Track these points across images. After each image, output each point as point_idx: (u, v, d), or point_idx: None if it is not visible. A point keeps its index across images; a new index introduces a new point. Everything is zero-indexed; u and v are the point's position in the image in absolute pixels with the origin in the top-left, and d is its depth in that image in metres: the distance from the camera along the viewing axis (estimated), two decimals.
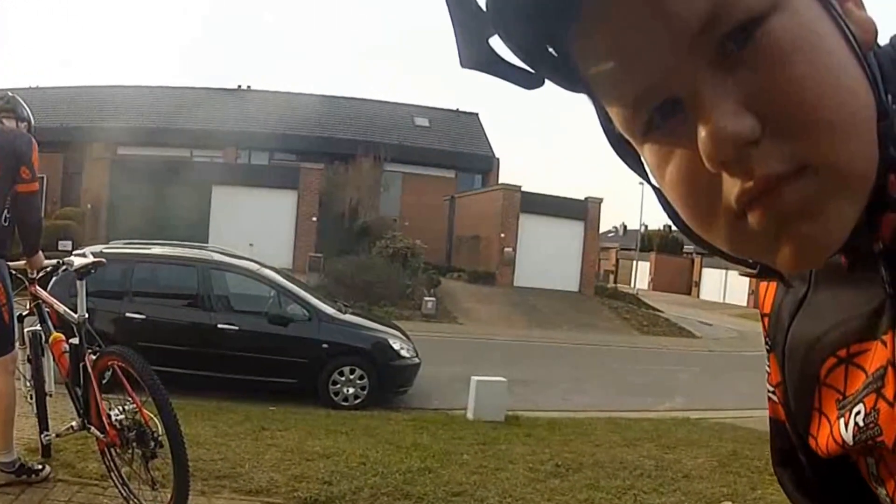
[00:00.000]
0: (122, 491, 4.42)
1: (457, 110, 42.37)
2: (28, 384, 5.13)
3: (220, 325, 10.50)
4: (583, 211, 31.44)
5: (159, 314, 10.74)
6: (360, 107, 40.12)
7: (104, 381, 4.56)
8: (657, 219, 61.87)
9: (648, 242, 55.66)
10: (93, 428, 4.50)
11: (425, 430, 8.13)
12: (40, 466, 4.73)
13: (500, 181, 35.36)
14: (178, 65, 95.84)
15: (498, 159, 39.92)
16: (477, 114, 42.77)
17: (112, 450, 4.42)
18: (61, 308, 4.90)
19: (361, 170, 31.82)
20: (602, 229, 36.41)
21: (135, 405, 4.26)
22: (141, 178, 27.40)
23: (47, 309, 4.95)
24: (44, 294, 4.98)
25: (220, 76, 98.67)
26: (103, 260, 4.91)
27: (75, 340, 4.68)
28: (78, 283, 4.79)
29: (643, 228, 55.13)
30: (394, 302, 22.86)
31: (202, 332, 10.53)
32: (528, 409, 10.38)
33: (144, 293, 11.00)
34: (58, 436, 5.01)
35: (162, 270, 11.46)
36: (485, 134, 41.45)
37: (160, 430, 4.10)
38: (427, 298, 23.15)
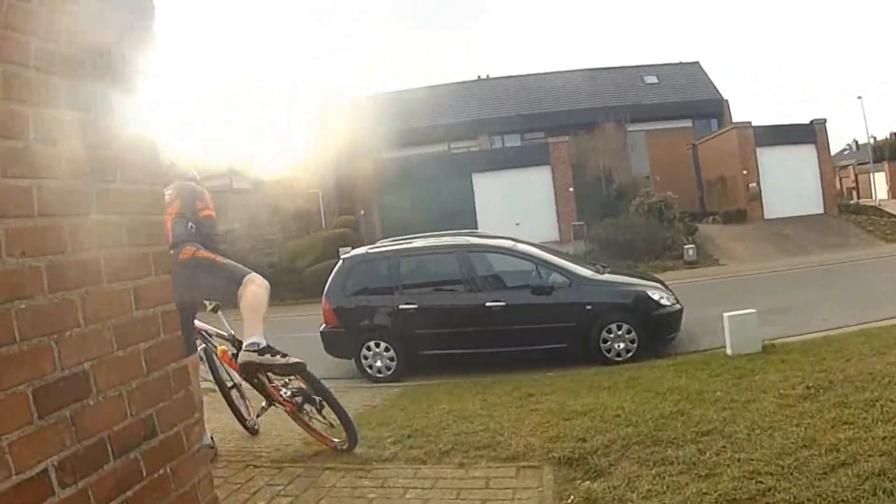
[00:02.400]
0: (314, 436, 5.84)
1: (679, 63, 41.55)
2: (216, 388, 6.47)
3: (487, 304, 10.69)
4: (812, 134, 30.17)
5: (429, 301, 11.12)
6: (594, 76, 40.00)
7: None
8: (882, 128, 55.95)
9: (880, 153, 50.62)
10: (276, 404, 5.77)
11: (684, 372, 7.81)
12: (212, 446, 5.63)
13: (734, 121, 34.12)
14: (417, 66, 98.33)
15: (726, 101, 38.77)
16: (698, 62, 41.67)
17: (295, 414, 5.72)
18: (213, 330, 6.12)
19: (606, 135, 31.36)
20: (835, 150, 33.68)
21: (295, 379, 5.61)
22: (406, 177, 28.71)
23: (204, 332, 6.11)
24: (199, 324, 5.97)
25: (454, 71, 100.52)
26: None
27: (234, 349, 5.77)
28: (219, 313, 5.87)
29: (871, 140, 50.47)
30: (657, 255, 22.44)
31: (472, 313, 10.74)
32: (787, 336, 9.86)
33: (413, 284, 11.39)
34: (258, 416, 6.36)
35: (426, 261, 11.84)
36: (710, 79, 40.33)
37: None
38: (687, 246, 22.55)
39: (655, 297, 10.82)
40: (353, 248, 21.91)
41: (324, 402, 5.63)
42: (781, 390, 6.23)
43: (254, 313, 5.09)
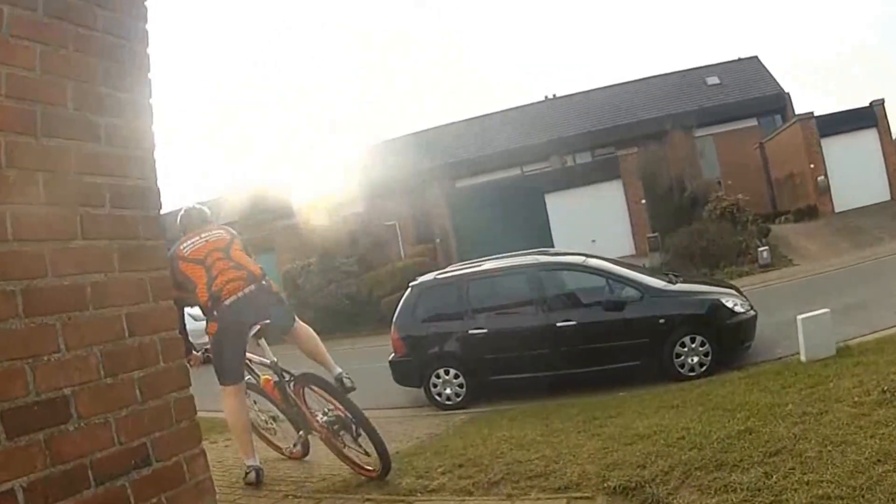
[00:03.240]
0: (347, 464, 5.90)
1: (737, 59, 40.20)
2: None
3: (558, 324, 10.38)
4: (872, 117, 28.30)
5: (499, 325, 10.86)
6: (656, 84, 39.37)
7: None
8: None
9: None
10: (313, 432, 6.03)
11: (756, 385, 7.36)
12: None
13: (797, 113, 32.92)
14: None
15: (788, 94, 37.36)
16: (756, 56, 40.22)
17: (330, 440, 5.87)
18: (257, 359, 6.27)
19: (674, 143, 30.74)
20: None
21: (332, 406, 5.83)
22: (480, 203, 28.70)
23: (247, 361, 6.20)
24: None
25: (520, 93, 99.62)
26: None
27: (276, 378, 6.00)
28: (262, 340, 5.97)
29: None
30: (731, 260, 21.68)
31: (542, 334, 10.43)
32: (864, 334, 9.35)
33: (482, 308, 11.12)
34: (294, 445, 6.52)
35: (495, 283, 11.56)
36: (769, 73, 38.88)
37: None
38: (760, 249, 21.66)
39: (729, 304, 10.36)
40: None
41: (360, 430, 5.68)
42: (856, 397, 5.84)
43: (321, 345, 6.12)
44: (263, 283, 5.87)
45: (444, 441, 7.56)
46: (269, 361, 6.01)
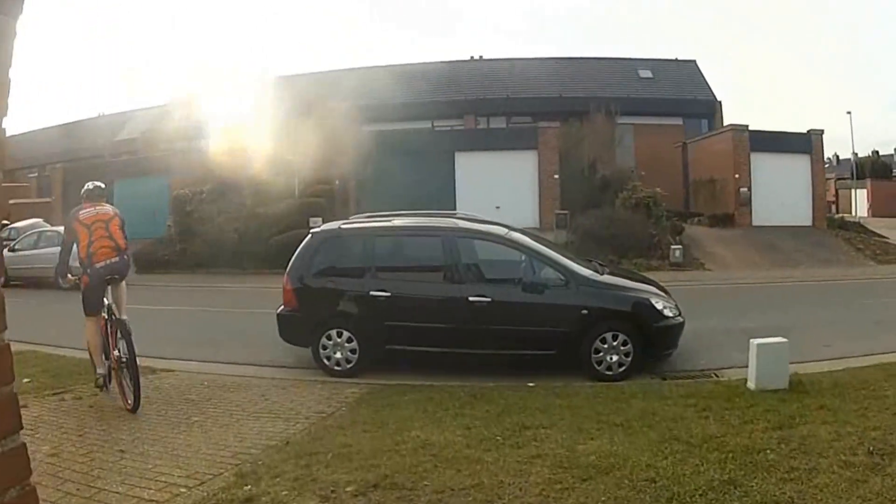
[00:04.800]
0: (119, 392, 7.59)
1: (675, 59, 40.22)
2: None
3: (470, 298, 9.07)
4: (807, 144, 28.84)
5: (404, 290, 9.50)
6: (587, 65, 38.92)
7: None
8: (865, 146, 55.42)
9: (861, 170, 50.19)
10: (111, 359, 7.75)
11: (710, 411, 6.43)
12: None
13: (725, 123, 33.46)
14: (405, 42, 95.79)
15: (720, 102, 37.67)
16: (695, 61, 40.47)
17: (116, 371, 7.63)
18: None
19: (595, 125, 29.93)
20: None
21: (124, 346, 7.47)
22: (386, 151, 27.01)
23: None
24: None
25: (448, 49, 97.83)
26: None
27: (106, 316, 7.82)
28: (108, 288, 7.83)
29: (854, 157, 50.21)
30: (641, 252, 20.84)
31: (452, 307, 9.16)
32: (794, 361, 8.41)
33: (388, 268, 9.83)
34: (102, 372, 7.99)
35: (405, 243, 10.23)
36: (704, 79, 39.08)
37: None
38: (674, 247, 21.01)
39: (659, 306, 9.27)
40: (324, 220, 20.30)
41: (131, 371, 7.37)
42: (842, 455, 5.02)
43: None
44: (125, 256, 8.01)
45: (343, 434, 6.26)
46: (106, 304, 7.79)
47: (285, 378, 9.21)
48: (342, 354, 9.35)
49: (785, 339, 7.69)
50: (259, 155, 27.00)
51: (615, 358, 8.87)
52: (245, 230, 22.73)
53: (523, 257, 9.62)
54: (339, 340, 9.37)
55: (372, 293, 9.32)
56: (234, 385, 8.74)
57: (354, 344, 9.33)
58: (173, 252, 23.91)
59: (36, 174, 38.59)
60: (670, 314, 9.28)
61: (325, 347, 9.42)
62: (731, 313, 11.31)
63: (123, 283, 8.04)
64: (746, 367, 7.66)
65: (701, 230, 26.05)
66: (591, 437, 5.61)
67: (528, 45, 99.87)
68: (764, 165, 27.75)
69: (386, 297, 9.28)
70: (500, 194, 26.46)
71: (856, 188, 48.79)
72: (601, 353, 8.89)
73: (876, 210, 47.67)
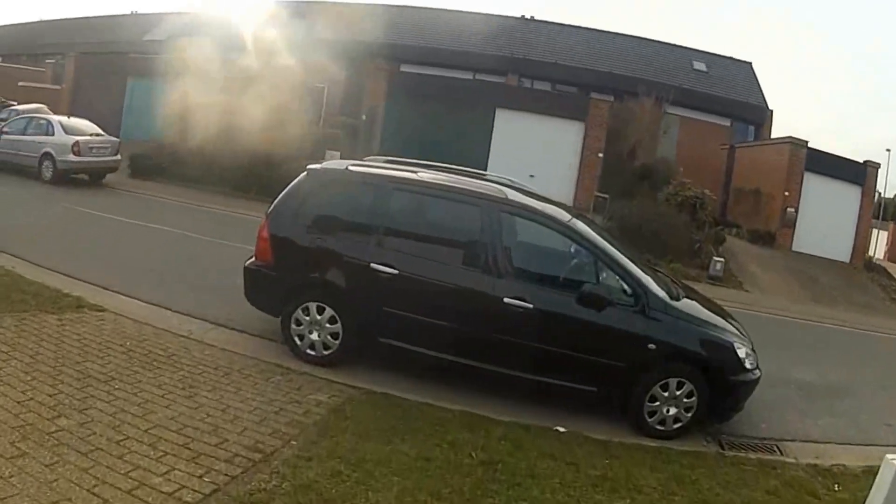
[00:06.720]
0: None
1: (731, 57, 37.10)
2: None
3: (506, 300, 6.48)
4: (861, 175, 25.70)
5: (417, 270, 6.74)
6: (640, 45, 35.82)
7: None
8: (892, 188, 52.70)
9: (884, 211, 47.55)
10: None
11: None
12: None
13: (773, 135, 30.83)
14: None
15: (772, 111, 34.30)
16: (751, 63, 37.28)
17: None
18: None
19: (644, 109, 27.24)
20: None
21: None
22: (421, 96, 24.37)
23: None
24: None
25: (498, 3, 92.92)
26: None
27: None
28: None
29: (877, 196, 47.53)
30: (679, 258, 18.08)
31: (478, 306, 6.57)
32: (855, 442, 7.16)
33: (400, 235, 7.04)
34: None
35: (429, 206, 7.27)
36: (759, 84, 35.86)
37: None
38: (716, 258, 18.31)
39: (741, 353, 6.71)
40: (341, 157, 17.61)
41: None
42: None
43: None
44: None
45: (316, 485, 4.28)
46: None
47: (236, 353, 6.82)
48: (319, 336, 6.93)
49: None
50: (283, 74, 24.45)
51: (673, 411, 6.55)
52: (253, 151, 19.95)
53: (586, 257, 6.89)
54: (318, 318, 6.92)
55: (373, 265, 6.71)
56: (164, 353, 6.44)
57: (338, 327, 6.87)
58: (171, 162, 21.30)
59: (53, 61, 35.97)
60: (750, 366, 6.77)
61: (298, 323, 6.98)
62: (783, 357, 9.32)
63: None
64: (812, 441, 6.87)
65: (739, 244, 23.40)
66: None
67: (578, 15, 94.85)
68: (815, 188, 24.92)
69: (391, 274, 6.68)
70: (536, 162, 23.74)
71: (879, 229, 45.81)
72: (657, 403, 6.53)
73: (892, 254, 45.37)
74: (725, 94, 33.64)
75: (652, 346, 6.43)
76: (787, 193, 24.76)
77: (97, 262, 9.69)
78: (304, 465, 4.60)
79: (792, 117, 79.34)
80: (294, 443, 4.93)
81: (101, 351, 6.14)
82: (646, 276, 6.95)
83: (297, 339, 6.96)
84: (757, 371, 6.87)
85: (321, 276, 6.95)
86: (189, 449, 4.60)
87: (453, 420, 5.82)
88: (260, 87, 23.17)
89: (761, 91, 35.36)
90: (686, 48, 36.48)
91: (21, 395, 5.00)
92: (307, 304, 6.91)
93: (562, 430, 6.07)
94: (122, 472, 4.19)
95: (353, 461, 4.73)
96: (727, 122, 33.24)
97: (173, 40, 34.07)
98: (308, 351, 6.91)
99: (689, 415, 6.53)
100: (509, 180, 7.86)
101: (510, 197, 7.01)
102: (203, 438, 4.79)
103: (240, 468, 4.46)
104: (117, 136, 20.98)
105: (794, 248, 24.45)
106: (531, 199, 7.35)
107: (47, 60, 36.74)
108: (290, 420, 5.28)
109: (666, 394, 6.48)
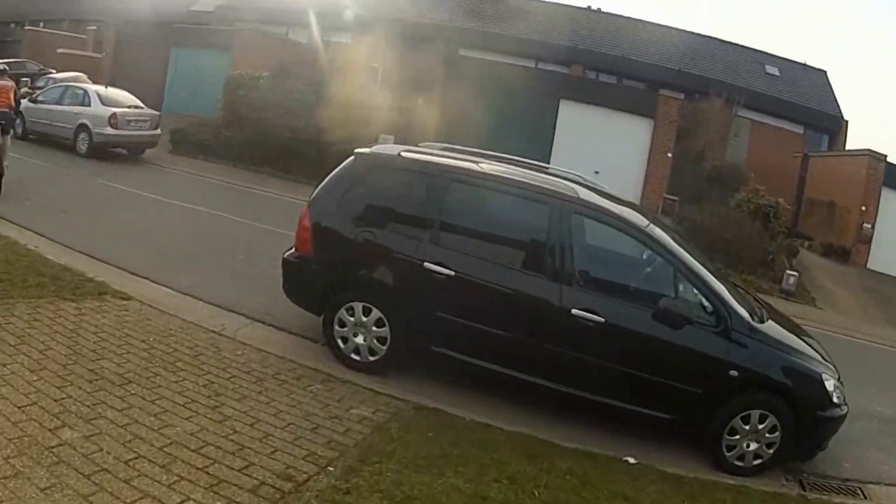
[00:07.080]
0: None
1: (804, 64, 35.60)
2: None
3: (574, 311, 5.72)
4: None
5: (476, 272, 5.99)
6: (711, 45, 34.51)
7: None
8: None
9: None
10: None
11: None
12: None
13: (847, 146, 29.53)
14: None
15: (847, 121, 32.81)
16: (825, 71, 35.78)
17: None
18: None
19: (714, 110, 26.10)
20: None
21: None
22: (483, 82, 23.50)
23: None
24: None
25: None
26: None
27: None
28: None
29: None
30: (752, 269, 16.93)
31: (543, 317, 5.85)
32: None
33: (458, 232, 6.30)
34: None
35: (492, 201, 6.50)
36: (833, 93, 34.26)
37: None
38: (789, 272, 17.00)
39: (829, 386, 5.88)
40: (395, 141, 16.90)
41: None
42: None
43: None
44: (13, 116, 12.90)
45: None
46: None
47: (272, 354, 6.10)
48: (365, 340, 6.19)
49: None
50: (340, 54, 23.91)
51: (754, 447, 5.82)
52: (303, 130, 19.19)
53: (663, 267, 6.06)
54: (364, 320, 6.18)
55: (427, 265, 5.95)
56: (191, 352, 5.72)
57: (385, 331, 6.13)
58: (217, 139, 20.51)
59: (95, 28, 35.55)
60: (838, 400, 5.95)
61: (342, 324, 6.25)
62: (863, 385, 8.46)
63: (8, 137, 11.80)
64: None
65: (811, 257, 22.26)
66: None
67: (647, 9, 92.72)
68: (893, 205, 23.60)
69: (447, 275, 5.91)
70: (601, 158, 22.83)
71: None
72: (737, 437, 5.81)
73: None
74: (798, 101, 32.16)
75: (734, 372, 5.65)
76: (864, 208, 23.42)
77: (128, 244, 9.00)
78: (341, 499, 3.89)
79: (867, 129, 76.75)
80: (331, 469, 4.22)
81: (119, 347, 5.47)
82: (728, 292, 6.10)
83: (340, 341, 6.23)
84: (844, 406, 6.08)
85: (368, 274, 6.21)
86: (208, 474, 3.89)
87: (513, 446, 5.13)
88: (314, 64, 22.63)
89: (836, 100, 33.80)
90: (758, 51, 35.19)
91: (23, 398, 4.33)
92: (352, 303, 6.17)
93: (632, 461, 5.45)
94: (128, 500, 3.51)
95: (399, 498, 3.99)
96: (800, 130, 31.85)
97: (222, 12, 33.77)
98: (352, 355, 6.20)
99: (771, 451, 5.84)
100: (578, 176, 7.05)
101: (582, 196, 6.18)
102: (226, 461, 4.07)
103: (266, 501, 3.76)
104: (159, 110, 20.04)
105: (868, 266, 23.14)
106: (605, 200, 6.49)
107: (88, 27, 36.17)
108: (329, 440, 4.56)
109: (747, 427, 5.75)
